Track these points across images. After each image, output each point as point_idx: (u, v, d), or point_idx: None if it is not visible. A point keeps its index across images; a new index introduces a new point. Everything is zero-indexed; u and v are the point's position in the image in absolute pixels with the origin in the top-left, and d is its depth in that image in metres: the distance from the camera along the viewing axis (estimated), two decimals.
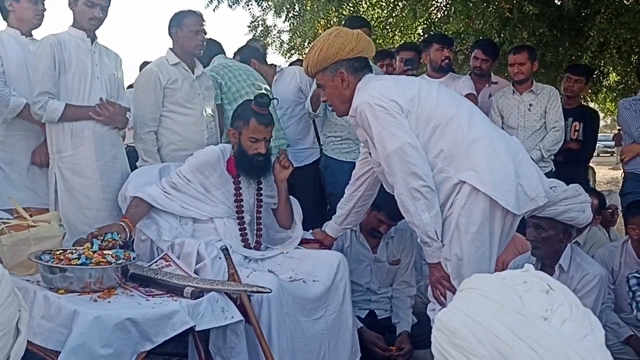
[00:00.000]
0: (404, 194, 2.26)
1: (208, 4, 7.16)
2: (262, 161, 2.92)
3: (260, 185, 3.03)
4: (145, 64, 4.45)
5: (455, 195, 2.28)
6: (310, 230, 3.18)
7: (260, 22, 8.70)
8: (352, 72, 2.44)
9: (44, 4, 3.32)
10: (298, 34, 8.37)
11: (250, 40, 5.17)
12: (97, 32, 3.17)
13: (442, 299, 2.38)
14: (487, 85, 4.45)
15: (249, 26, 8.60)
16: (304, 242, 3.10)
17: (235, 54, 4.48)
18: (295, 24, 7.91)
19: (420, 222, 2.26)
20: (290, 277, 2.81)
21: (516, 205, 2.26)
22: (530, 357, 0.84)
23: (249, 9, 7.74)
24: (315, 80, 2.60)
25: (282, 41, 9.66)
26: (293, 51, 9.46)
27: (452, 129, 2.30)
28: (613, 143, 24.53)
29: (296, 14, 7.78)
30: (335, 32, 2.46)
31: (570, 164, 4.38)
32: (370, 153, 2.54)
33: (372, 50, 2.54)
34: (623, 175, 4.22)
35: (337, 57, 2.41)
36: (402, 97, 2.33)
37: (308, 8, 7.10)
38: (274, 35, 9.49)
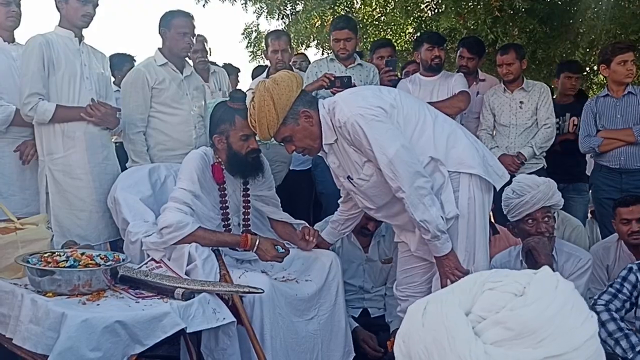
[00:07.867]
0: (413, 193, 2.28)
1: (197, 1, 7.12)
2: (256, 157, 2.85)
3: (247, 186, 2.96)
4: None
5: (447, 186, 2.37)
6: None
7: (253, 28, 8.66)
8: (309, 106, 2.43)
9: (18, 6, 3.22)
10: (292, 34, 8.33)
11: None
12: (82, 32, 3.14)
13: None
14: (475, 82, 4.43)
15: (243, 33, 8.57)
16: None
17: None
18: (288, 22, 7.86)
19: (431, 217, 2.28)
20: (283, 277, 2.79)
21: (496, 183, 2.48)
22: (424, 354, 0.86)
23: (244, 6, 7.68)
24: (278, 137, 2.48)
25: None
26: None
27: (429, 127, 2.41)
28: None
29: (288, 13, 7.74)
30: (271, 83, 2.41)
31: (568, 155, 4.32)
32: (348, 178, 2.50)
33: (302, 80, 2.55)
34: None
35: (290, 99, 2.40)
36: (383, 103, 2.37)
37: (301, 7, 7.06)
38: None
